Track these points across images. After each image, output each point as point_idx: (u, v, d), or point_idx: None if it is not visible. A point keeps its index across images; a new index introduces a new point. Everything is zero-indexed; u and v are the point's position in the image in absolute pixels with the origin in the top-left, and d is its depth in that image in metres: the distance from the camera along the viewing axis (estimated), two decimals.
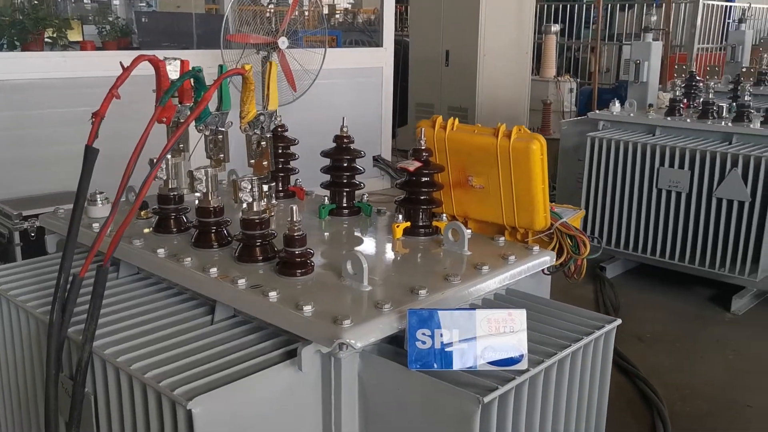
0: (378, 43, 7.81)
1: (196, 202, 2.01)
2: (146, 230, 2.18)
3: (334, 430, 1.66)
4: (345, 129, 2.35)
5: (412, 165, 2.11)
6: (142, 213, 2.29)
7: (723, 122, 4.59)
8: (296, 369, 1.59)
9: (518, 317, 1.58)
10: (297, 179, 2.59)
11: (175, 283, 2.02)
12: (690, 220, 4.41)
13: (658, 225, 4.55)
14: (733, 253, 4.28)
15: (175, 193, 2.15)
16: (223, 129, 1.99)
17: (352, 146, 2.37)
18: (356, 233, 2.25)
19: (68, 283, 1.72)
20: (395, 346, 1.64)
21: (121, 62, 1.95)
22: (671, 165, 4.43)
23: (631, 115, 4.95)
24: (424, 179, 2.14)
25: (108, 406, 1.69)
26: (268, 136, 1.87)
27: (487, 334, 1.57)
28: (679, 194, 4.43)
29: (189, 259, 1.92)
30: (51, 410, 1.69)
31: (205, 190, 1.96)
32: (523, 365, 1.56)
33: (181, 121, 2.12)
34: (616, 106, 5.02)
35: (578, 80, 11.87)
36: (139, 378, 1.56)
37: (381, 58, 7.69)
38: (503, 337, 1.57)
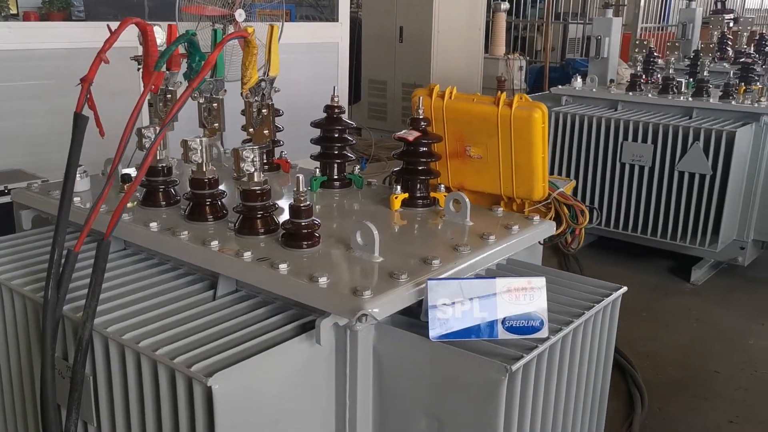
0: (332, 18, 7.68)
1: (190, 172, 1.93)
2: (130, 204, 2.08)
3: (348, 403, 1.63)
4: (336, 99, 2.28)
5: (411, 135, 2.07)
6: (125, 186, 2.18)
7: (683, 97, 4.69)
8: (312, 343, 1.54)
9: (538, 285, 1.57)
10: (282, 151, 2.52)
11: (168, 259, 1.93)
12: (653, 193, 4.50)
13: (621, 198, 4.63)
14: (694, 225, 4.39)
15: (164, 164, 2.05)
16: (218, 97, 1.90)
17: (343, 116, 2.31)
18: (351, 205, 2.20)
19: (62, 258, 1.62)
20: (406, 316, 1.61)
21: (108, 25, 1.85)
22: (634, 139, 4.51)
23: (594, 90, 5.01)
24: (422, 149, 2.10)
25: (110, 388, 1.61)
26: (269, 103, 1.79)
27: (507, 303, 1.55)
28: (642, 168, 4.51)
29: (186, 232, 1.84)
30: (48, 395, 1.60)
31: (200, 161, 1.88)
32: (543, 333, 1.55)
33: (170, 88, 2.03)
34: (578, 82, 5.07)
35: (527, 58, 11.99)
36: (149, 355, 1.48)
37: (336, 34, 7.57)
38: (523, 305, 1.56)
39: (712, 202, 4.29)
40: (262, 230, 1.83)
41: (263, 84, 1.77)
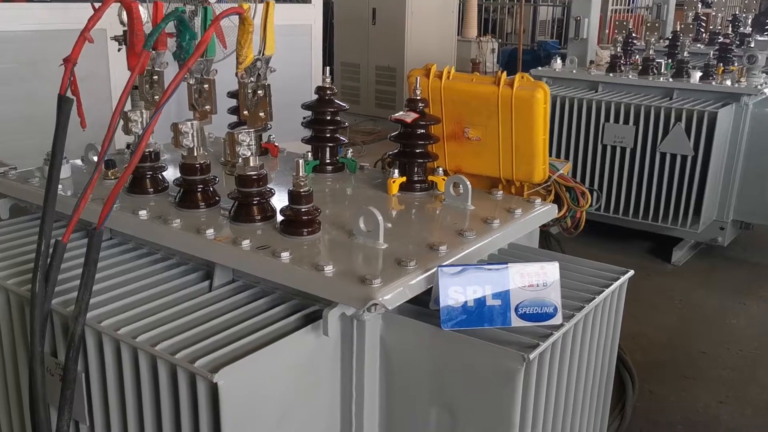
0: None
1: (181, 157, 1.84)
2: None
3: (355, 395, 1.57)
4: (327, 80, 2.20)
5: (409, 116, 2.00)
6: (110, 173, 2.08)
7: (663, 78, 4.68)
8: (318, 334, 1.48)
9: (551, 270, 1.52)
10: (270, 135, 2.43)
11: (158, 248, 1.85)
12: (634, 175, 4.49)
13: (603, 180, 4.62)
14: (675, 206, 4.40)
15: (151, 149, 1.96)
16: (209, 77, 1.81)
17: (335, 98, 2.23)
18: (345, 190, 2.13)
19: (50, 249, 1.53)
20: (413, 305, 1.56)
21: (92, 3, 1.74)
22: (616, 121, 4.50)
23: (574, 71, 4.98)
24: (420, 131, 2.03)
25: (104, 386, 1.52)
26: (265, 83, 1.71)
27: (520, 289, 1.50)
28: (624, 149, 4.50)
29: (178, 220, 1.76)
30: (38, 394, 1.51)
31: (191, 145, 1.79)
32: (557, 320, 1.51)
33: (157, 69, 1.93)
34: (557, 63, 5.03)
35: (499, 41, 11.97)
36: (147, 351, 1.40)
37: (310, 15, 7.43)
38: (536, 291, 1.51)
39: (693, 183, 4.30)
40: (259, 217, 1.76)
41: (259, 64, 1.68)
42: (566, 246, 4.97)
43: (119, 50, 2.01)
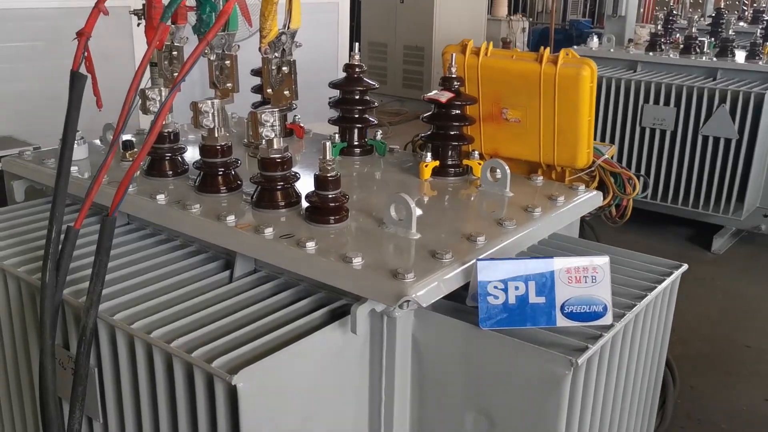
0: None
1: (201, 139, 1.73)
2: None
3: (384, 398, 1.45)
4: (356, 57, 2.07)
5: (444, 96, 1.86)
6: (128, 154, 1.98)
7: (706, 57, 4.47)
8: (345, 331, 1.36)
9: (601, 265, 1.39)
10: (295, 116, 2.32)
11: (177, 235, 1.75)
12: (674, 159, 4.31)
13: (641, 164, 4.44)
14: (717, 192, 4.22)
15: (170, 130, 1.85)
16: (230, 53, 1.70)
17: (364, 77, 2.10)
18: (374, 174, 2.01)
19: (61, 235, 1.43)
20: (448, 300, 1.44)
21: None
22: (656, 102, 4.31)
23: (611, 50, 4.78)
24: (455, 112, 1.90)
25: (118, 382, 1.43)
26: (290, 59, 1.59)
27: (566, 285, 1.37)
28: (663, 132, 4.31)
29: (197, 206, 1.65)
30: (48, 389, 1.42)
31: (211, 126, 1.68)
32: (607, 320, 1.38)
33: (176, 44, 1.82)
34: (594, 41, 4.84)
35: (530, 19, 11.70)
36: (162, 347, 1.30)
37: None
38: (584, 288, 1.38)
39: (737, 168, 4.11)
40: (283, 203, 1.64)
41: (283, 38, 1.56)
42: (601, 232, 4.83)
43: (138, 25, 1.90)
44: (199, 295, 1.49)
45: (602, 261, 1.39)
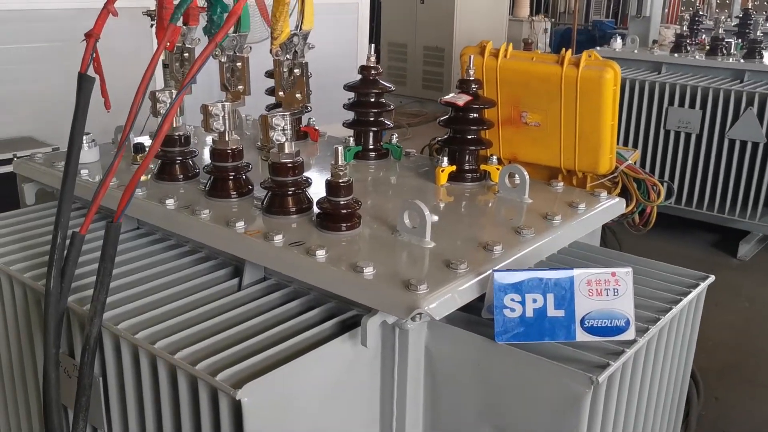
0: None
1: (211, 142, 1.69)
2: (144, 178, 1.85)
3: (395, 413, 1.40)
4: (372, 58, 2.03)
5: (461, 99, 1.81)
6: (138, 157, 1.95)
7: (733, 59, 4.37)
8: (355, 343, 1.31)
9: (623, 277, 1.33)
10: (310, 118, 2.27)
11: (186, 240, 1.71)
12: (699, 163, 4.22)
13: (665, 168, 4.35)
14: (744, 197, 4.12)
15: (180, 133, 1.82)
16: (242, 55, 1.66)
17: (380, 79, 2.05)
18: (389, 179, 1.96)
19: (66, 241, 1.40)
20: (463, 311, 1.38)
21: None
22: (681, 104, 4.21)
23: (635, 51, 4.69)
24: (473, 115, 1.84)
25: (123, 392, 1.39)
26: (302, 61, 1.54)
27: (586, 298, 1.31)
28: (689, 135, 4.21)
29: (207, 211, 1.61)
30: (52, 398, 1.39)
31: (222, 129, 1.64)
32: (629, 335, 1.31)
33: (188, 46, 1.78)
34: (617, 42, 4.75)
35: (552, 20, 11.58)
36: (166, 359, 1.26)
37: None
38: (606, 301, 1.32)
39: (765, 173, 4.01)
40: (294, 209, 1.60)
41: (295, 39, 1.51)
42: (623, 238, 4.74)
43: (151, 26, 1.87)
44: (206, 303, 1.45)
45: (625, 272, 1.33)
